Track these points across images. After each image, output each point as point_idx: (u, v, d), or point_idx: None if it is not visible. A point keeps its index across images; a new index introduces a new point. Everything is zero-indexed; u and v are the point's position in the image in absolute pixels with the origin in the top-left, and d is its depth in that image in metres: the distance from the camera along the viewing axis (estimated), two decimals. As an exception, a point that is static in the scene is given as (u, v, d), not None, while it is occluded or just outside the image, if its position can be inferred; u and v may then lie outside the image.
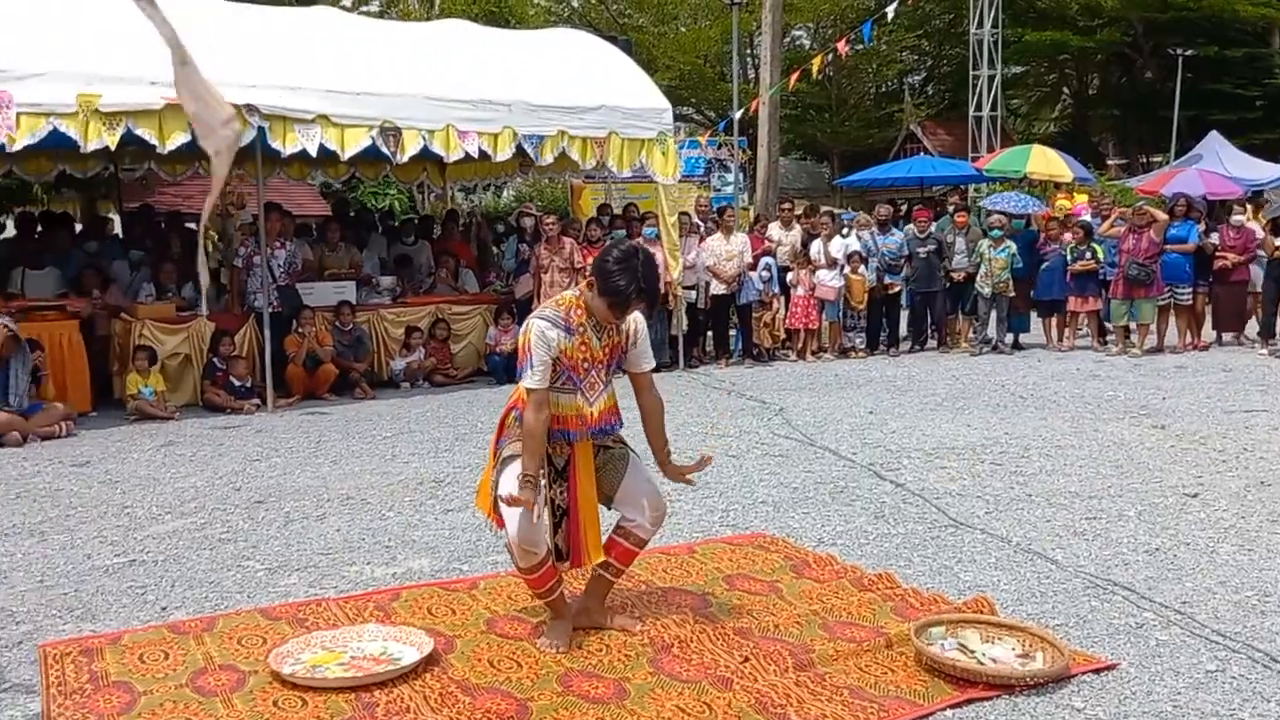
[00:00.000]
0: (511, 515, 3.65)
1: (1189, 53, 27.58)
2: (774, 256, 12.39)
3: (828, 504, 5.81)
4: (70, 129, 8.14)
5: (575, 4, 34.52)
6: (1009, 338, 12.47)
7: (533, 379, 3.66)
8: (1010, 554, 4.86)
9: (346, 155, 9.50)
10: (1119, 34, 30.45)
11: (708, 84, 31.68)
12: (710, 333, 12.34)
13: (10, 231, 13.92)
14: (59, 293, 10.15)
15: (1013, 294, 12.15)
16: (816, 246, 12.24)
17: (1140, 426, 7.79)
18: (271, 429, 8.50)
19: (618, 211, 13.09)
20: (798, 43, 34.29)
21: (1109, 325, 12.44)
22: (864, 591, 4.32)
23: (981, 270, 12.07)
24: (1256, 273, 12.32)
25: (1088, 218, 13.53)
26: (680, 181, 13.50)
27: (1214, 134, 22.80)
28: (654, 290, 3.75)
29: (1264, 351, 11.69)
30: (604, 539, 3.90)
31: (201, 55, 8.30)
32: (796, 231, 12.65)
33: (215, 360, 9.56)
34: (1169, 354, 11.84)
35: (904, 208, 17.70)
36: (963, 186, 22.91)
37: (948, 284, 12.48)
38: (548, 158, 10.43)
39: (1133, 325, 11.99)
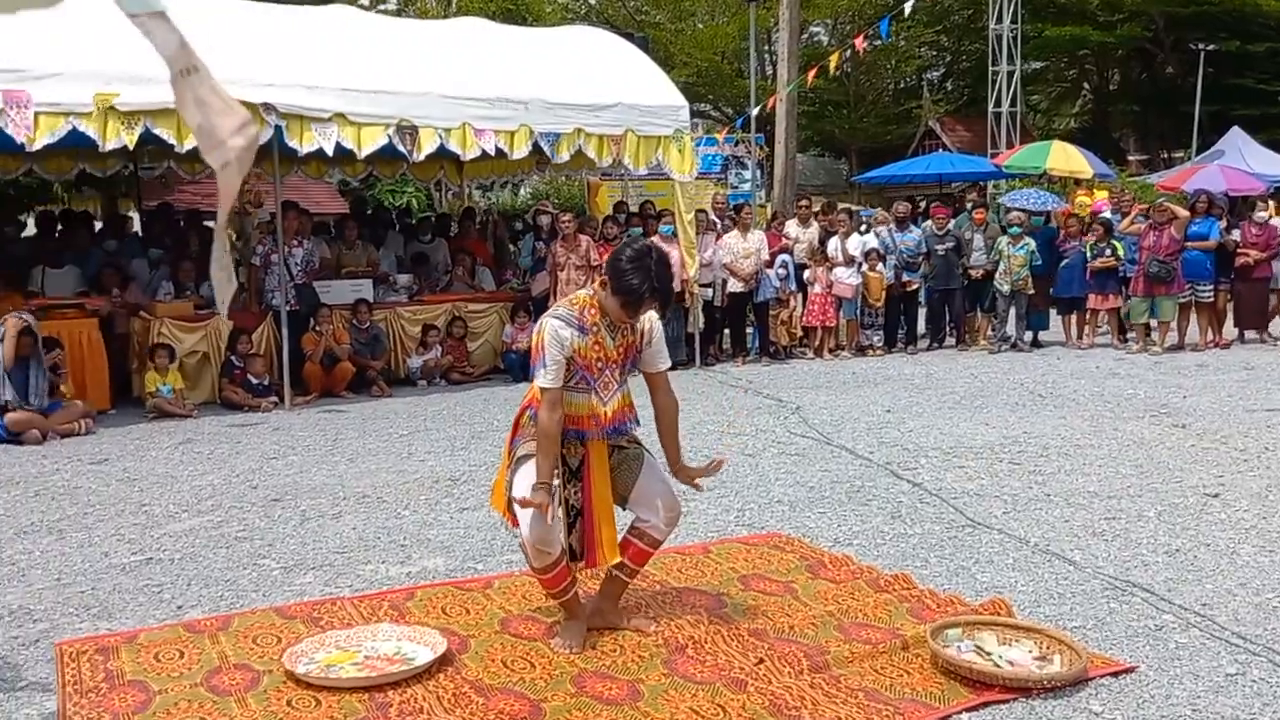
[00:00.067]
0: (525, 515, 3.64)
1: (1211, 47, 27.33)
2: (791, 254, 12.35)
3: (844, 503, 5.78)
4: (89, 128, 8.18)
5: (592, 1, 34.51)
6: (1028, 335, 12.40)
7: (546, 378, 3.65)
8: (1028, 555, 4.83)
9: (363, 154, 9.52)
10: (1140, 29, 30.22)
11: (725, 81, 31.61)
12: (727, 330, 12.32)
13: (31, 230, 13.98)
14: (79, 291, 10.22)
15: (1032, 291, 12.07)
16: (834, 244, 12.20)
17: (1160, 425, 7.72)
18: (289, 427, 8.53)
19: (634, 209, 13.09)
20: (815, 39, 34.19)
21: (1129, 323, 12.35)
22: (880, 592, 4.29)
23: (1000, 267, 12.00)
24: (1279, 269, 12.21)
25: (1108, 214, 13.43)
26: (697, 179, 13.49)
27: (1236, 129, 22.59)
28: (667, 289, 3.73)
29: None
30: (619, 539, 3.90)
31: (218, 54, 8.33)
32: (814, 229, 12.61)
33: (233, 358, 9.60)
34: (1190, 352, 11.74)
35: (922, 204, 17.63)
36: (982, 183, 22.78)
37: (966, 281, 12.42)
38: (564, 155, 10.42)
39: (1153, 323, 11.90)
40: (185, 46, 2.12)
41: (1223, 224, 12.13)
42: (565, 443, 3.77)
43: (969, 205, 13.97)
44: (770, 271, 11.84)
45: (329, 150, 9.31)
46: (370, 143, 9.30)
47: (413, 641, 3.82)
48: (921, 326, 13.00)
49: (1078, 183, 19.12)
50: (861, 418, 8.28)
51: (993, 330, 12.47)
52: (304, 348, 9.85)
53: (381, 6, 26.68)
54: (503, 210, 20.26)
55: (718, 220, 12.23)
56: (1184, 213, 11.82)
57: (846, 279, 12.07)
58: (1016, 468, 6.50)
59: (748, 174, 19.44)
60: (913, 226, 12.69)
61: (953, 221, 12.75)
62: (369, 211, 15.24)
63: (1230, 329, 12.44)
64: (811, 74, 17.69)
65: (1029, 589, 4.38)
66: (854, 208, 14.60)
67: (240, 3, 10.05)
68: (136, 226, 14.07)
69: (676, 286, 10.67)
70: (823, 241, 12.38)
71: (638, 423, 3.94)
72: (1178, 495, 5.79)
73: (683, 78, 26.39)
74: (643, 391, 3.92)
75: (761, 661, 3.61)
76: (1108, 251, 11.99)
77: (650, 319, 3.87)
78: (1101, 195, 16.59)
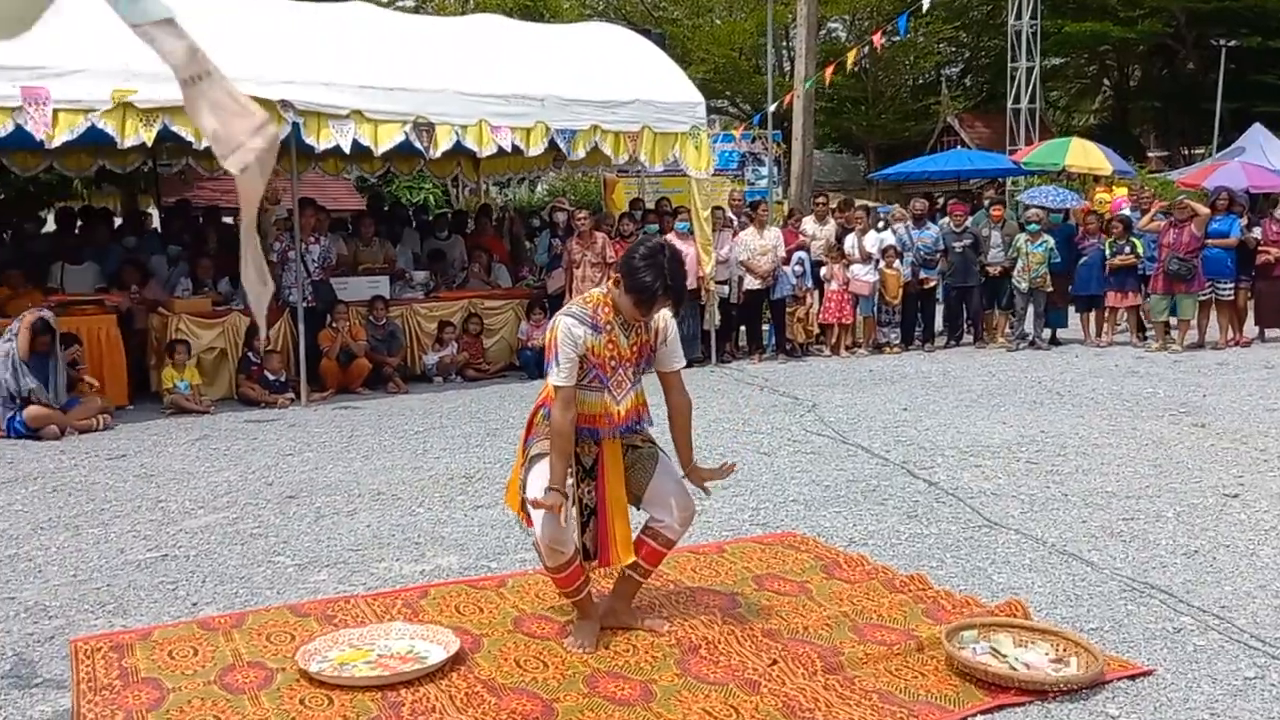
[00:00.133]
0: (539, 514, 3.64)
1: (1232, 43, 27.13)
2: (808, 251, 12.31)
3: (860, 503, 5.75)
4: (108, 125, 8.21)
5: (610, -3, 34.50)
6: (1046, 333, 12.33)
7: (559, 376, 3.64)
8: (1045, 555, 4.79)
9: (380, 151, 9.54)
10: (1161, 25, 29.99)
11: (742, 77, 31.55)
12: (743, 328, 12.29)
13: (50, 226, 14.10)
14: (98, 287, 10.28)
15: (1050, 289, 12.00)
16: (851, 241, 12.15)
17: (1180, 425, 7.66)
18: (305, 423, 8.55)
19: (650, 206, 13.07)
20: (833, 35, 34.05)
21: (1148, 320, 12.26)
22: (895, 593, 4.27)
23: (1019, 265, 11.94)
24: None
25: (1127, 211, 13.34)
26: (714, 175, 13.44)
27: (1257, 126, 22.40)
28: (681, 287, 3.71)
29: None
30: (633, 538, 3.88)
31: (236, 51, 8.35)
32: (831, 226, 12.56)
33: (250, 354, 9.63)
34: (1210, 350, 11.65)
35: (940, 201, 17.55)
36: (1000, 180, 22.67)
37: (983, 279, 12.35)
38: (580, 152, 10.41)
39: (1173, 321, 11.81)
40: (195, 52, 2.07)
41: (1244, 221, 12.04)
42: (579, 441, 3.76)
43: (987, 202, 13.90)
44: (787, 269, 11.81)
45: (346, 147, 9.32)
46: (387, 140, 9.31)
47: (426, 640, 3.82)
48: (939, 324, 12.94)
49: (1097, 180, 19.00)
50: (878, 416, 8.25)
51: (1011, 328, 12.41)
52: (320, 344, 9.88)
53: (399, 3, 26.72)
54: (519, 207, 20.26)
55: (734, 217, 12.20)
56: (1204, 210, 11.74)
57: (863, 276, 12.02)
58: (1034, 467, 6.46)
59: (764, 171, 19.39)
60: (930, 224, 12.63)
61: (970, 219, 12.69)
62: (386, 208, 15.26)
63: (1251, 327, 12.34)
64: (829, 71, 17.62)
65: (1045, 590, 4.35)
66: (871, 204, 14.55)
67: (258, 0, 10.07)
68: (156, 223, 14.14)
69: (691, 284, 10.69)
70: (840, 239, 12.34)
71: (650, 422, 3.93)
72: (1197, 495, 5.74)
73: (700, 74, 26.37)
74: (656, 390, 3.90)
75: (775, 663, 3.59)
76: (1127, 249, 11.91)
77: (665, 318, 3.86)
78: (1121, 192, 16.49)
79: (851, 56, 18.93)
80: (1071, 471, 6.33)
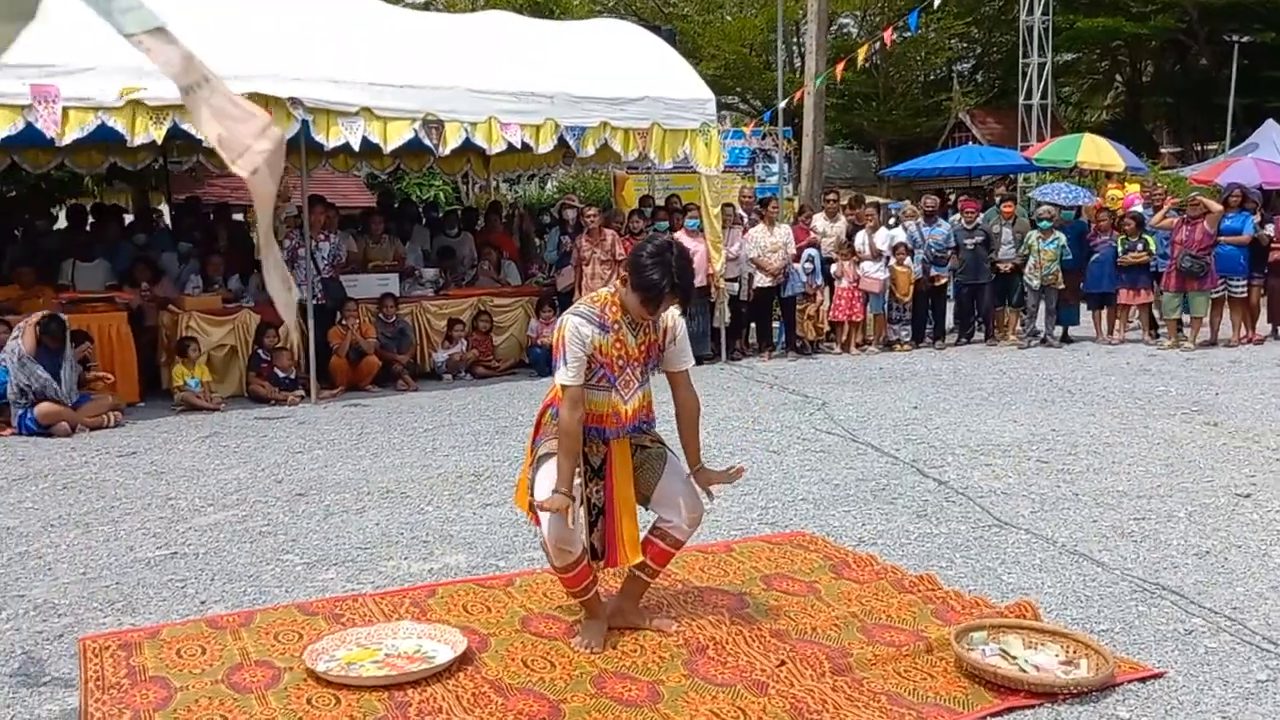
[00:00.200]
0: (546, 514, 3.63)
1: (1245, 39, 26.98)
2: (818, 248, 12.27)
3: (869, 502, 5.73)
4: (118, 123, 8.22)
5: (620, -7, 34.42)
6: (1057, 331, 12.28)
7: (567, 375, 3.63)
8: (1055, 555, 4.77)
9: (389, 148, 9.55)
10: (1173, 20, 29.85)
11: (753, 73, 31.48)
12: (753, 325, 12.26)
13: (62, 223, 14.12)
14: (109, 284, 10.30)
15: (1062, 286, 11.95)
16: (861, 238, 12.11)
17: (1192, 423, 7.62)
18: (314, 420, 8.56)
19: (660, 203, 13.05)
20: (844, 30, 33.95)
21: (1161, 318, 12.20)
22: (904, 593, 4.25)
23: (1030, 262, 11.89)
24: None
25: (1139, 208, 13.28)
26: (724, 172, 13.41)
27: (1270, 122, 22.23)
28: (688, 285, 3.69)
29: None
30: (641, 538, 3.88)
31: (245, 49, 8.35)
32: (842, 223, 12.53)
33: (260, 352, 9.64)
34: (1222, 348, 11.60)
35: (952, 198, 17.48)
36: (1012, 176, 22.57)
37: (994, 276, 12.31)
38: (589, 149, 10.40)
39: (1185, 318, 11.75)
40: (191, 60, 2.03)
41: (1256, 218, 11.96)
42: (587, 441, 3.75)
43: (998, 199, 13.85)
44: (797, 266, 11.78)
45: (355, 144, 9.32)
46: (396, 137, 9.31)
47: (433, 640, 3.81)
48: (950, 321, 12.89)
49: (1109, 176, 18.93)
50: (888, 414, 8.22)
51: (1022, 325, 12.36)
52: (330, 341, 9.89)
53: (408, 0, 26.72)
54: (529, 204, 20.26)
55: (744, 214, 12.17)
56: (1217, 207, 11.67)
57: (874, 273, 11.99)
58: (1044, 466, 6.43)
59: (775, 167, 19.35)
60: (941, 221, 12.58)
61: (982, 215, 12.64)
62: (396, 205, 15.27)
63: (1264, 324, 12.27)
64: (840, 67, 17.55)
65: (1056, 591, 4.32)
66: (882, 201, 14.50)
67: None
68: (166, 220, 14.17)
69: (701, 281, 10.67)
70: (850, 236, 12.30)
71: (653, 422, 3.92)
72: (1208, 495, 5.71)
73: (710, 70, 26.31)
74: (664, 389, 3.89)
75: (783, 664, 3.58)
76: (1139, 246, 11.85)
77: (673, 317, 3.84)
78: (1133, 189, 16.42)
79: (863, 52, 18.83)
80: (1082, 470, 6.30)
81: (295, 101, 8.68)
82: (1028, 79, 26.00)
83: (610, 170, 16.37)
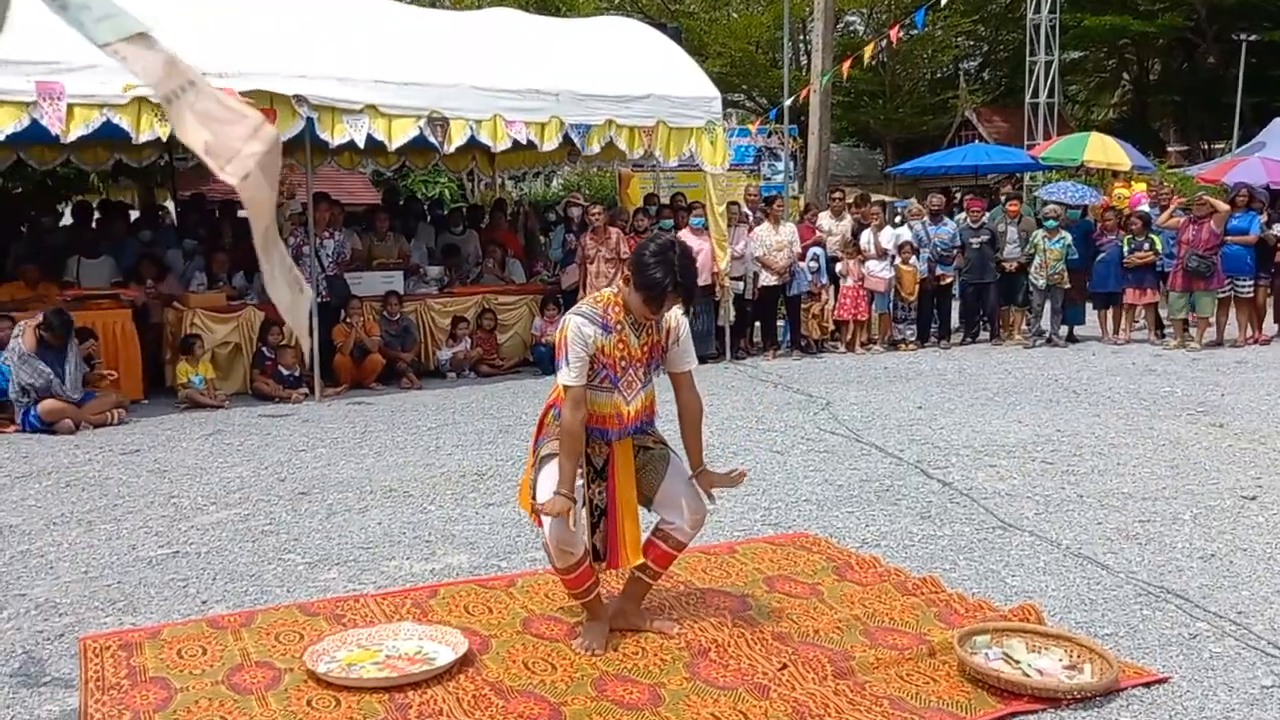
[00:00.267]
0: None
1: (1253, 38, 26.87)
2: (824, 247, 12.25)
3: (873, 503, 5.71)
4: (123, 120, 8.22)
5: (626, -10, 34.37)
6: (1063, 330, 12.24)
7: (569, 375, 3.61)
8: (1060, 558, 4.75)
9: (394, 145, 9.53)
10: (1181, 18, 29.73)
11: (759, 71, 31.41)
12: (758, 324, 12.24)
13: (67, 220, 14.16)
14: (114, 281, 10.30)
15: (1068, 286, 11.91)
16: (866, 236, 12.08)
17: (1197, 424, 7.59)
18: (318, 418, 8.55)
19: (665, 201, 13.03)
20: (850, 28, 33.88)
21: (1167, 318, 12.17)
22: (907, 596, 4.23)
23: (1036, 261, 11.85)
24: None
25: (1146, 207, 13.23)
26: (729, 170, 13.39)
27: (1278, 121, 22.19)
28: (691, 285, 3.67)
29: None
30: (643, 540, 3.86)
31: (250, 46, 8.33)
32: (847, 221, 12.50)
33: (264, 349, 9.64)
34: (1228, 348, 11.55)
35: (958, 196, 17.44)
36: (1018, 175, 22.52)
37: (999, 275, 12.27)
38: (595, 147, 10.39)
39: (1191, 318, 11.71)
40: (175, 64, 1.93)
41: (1263, 218, 11.91)
42: (590, 442, 3.74)
43: (1003, 197, 13.81)
44: (803, 264, 11.76)
45: (360, 142, 9.31)
46: (401, 134, 9.29)
47: (434, 641, 3.80)
48: (955, 321, 12.86)
49: (1115, 175, 18.87)
50: (892, 414, 8.20)
51: (1027, 325, 12.32)
52: (335, 339, 9.89)
53: (415, -4, 26.66)
54: (534, 201, 20.25)
55: (750, 213, 12.15)
56: (1224, 207, 11.63)
57: (879, 272, 11.96)
58: (1049, 467, 6.41)
59: (781, 165, 19.32)
60: (947, 220, 12.55)
61: (988, 214, 12.60)
62: (401, 203, 15.27)
63: (1270, 325, 12.23)
64: (846, 64, 17.51)
65: (1060, 594, 4.30)
66: (888, 199, 14.47)
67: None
68: (172, 217, 14.17)
69: (705, 280, 10.65)
70: (855, 234, 12.27)
71: (654, 421, 3.90)
72: (1214, 497, 5.68)
73: (716, 68, 26.24)
74: (666, 389, 3.88)
75: (785, 667, 3.56)
76: (1146, 246, 11.82)
77: (676, 317, 3.82)
78: (1140, 188, 16.37)
79: (869, 50, 18.82)
80: (1087, 472, 6.27)
81: (300, 99, 8.68)
82: (1034, 77, 25.94)
83: (615, 168, 16.35)
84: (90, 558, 5.01)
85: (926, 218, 12.52)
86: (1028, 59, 26.32)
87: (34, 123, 7.99)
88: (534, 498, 3.72)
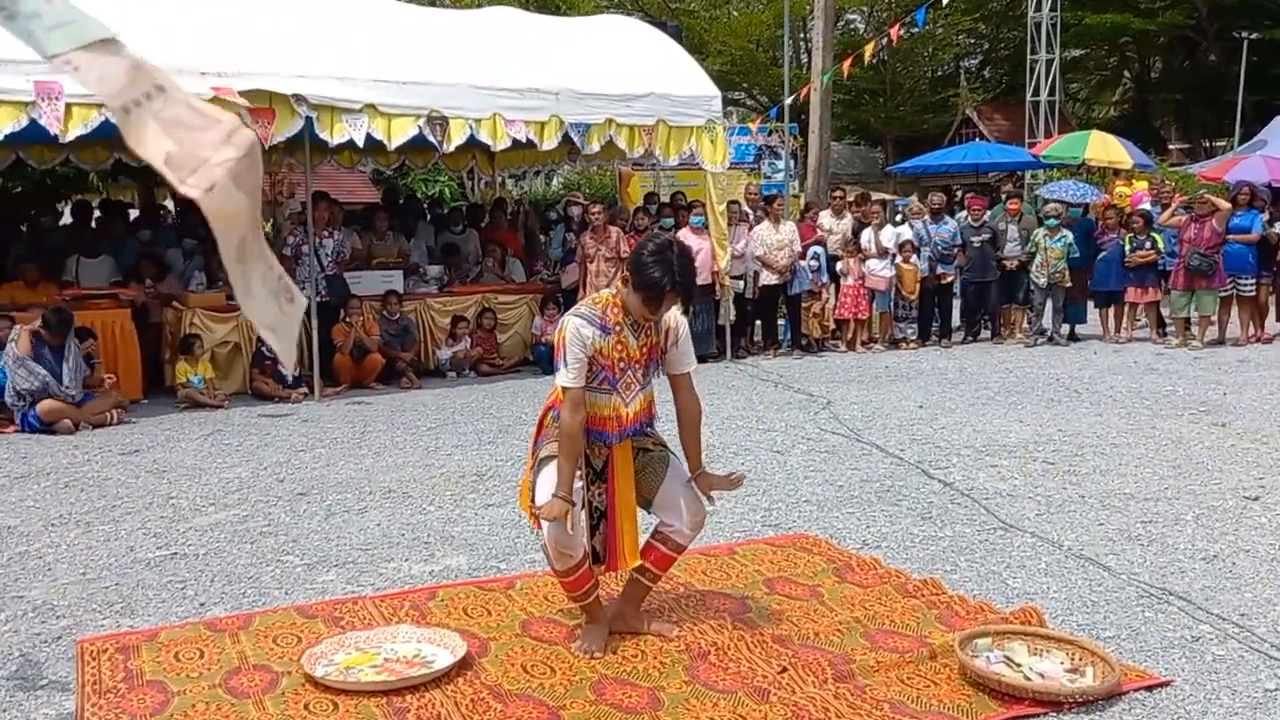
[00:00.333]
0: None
1: (1254, 35, 26.83)
2: (824, 246, 12.22)
3: (873, 504, 5.69)
4: (120, 119, 8.18)
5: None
6: (1065, 329, 12.21)
7: (568, 377, 3.59)
8: (1061, 559, 4.72)
9: (393, 145, 9.51)
10: (1182, 16, 29.68)
11: (760, 69, 31.36)
12: (758, 323, 12.22)
13: (67, 219, 14.14)
14: (113, 281, 10.28)
15: (1069, 284, 11.88)
16: (867, 235, 12.05)
17: (1199, 424, 7.57)
18: (318, 418, 8.53)
19: (665, 200, 13.01)
20: (851, 26, 33.84)
21: (1168, 316, 12.14)
22: (908, 598, 4.21)
23: (1037, 260, 11.82)
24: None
25: (1147, 205, 13.20)
26: (730, 169, 13.37)
27: (1279, 119, 22.16)
28: (689, 284, 3.64)
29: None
30: (642, 542, 3.85)
31: (248, 46, 8.29)
32: (848, 220, 12.47)
33: (264, 349, 9.61)
34: (1230, 347, 11.52)
35: (959, 194, 17.42)
36: (1019, 173, 22.49)
37: (1000, 273, 12.25)
38: (594, 146, 10.36)
39: (1193, 317, 11.68)
40: (141, 69, 1.77)
41: (1265, 216, 11.88)
42: (590, 443, 3.72)
43: (1004, 196, 13.79)
44: (803, 263, 11.73)
45: (359, 141, 9.29)
46: (401, 133, 9.27)
47: (432, 644, 3.78)
48: (956, 319, 12.84)
49: (1117, 173, 18.84)
50: (893, 414, 8.18)
51: (1029, 323, 12.30)
52: (334, 339, 9.87)
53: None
54: (534, 200, 20.22)
55: (750, 211, 12.12)
56: (1225, 205, 11.60)
57: (880, 271, 11.94)
58: (1050, 467, 6.39)
59: (781, 164, 19.29)
60: (948, 218, 12.53)
61: (989, 213, 12.58)
62: (400, 201, 15.25)
63: (1273, 323, 12.20)
64: (847, 63, 17.49)
65: (1061, 596, 4.28)
66: (888, 197, 14.44)
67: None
68: (172, 216, 14.15)
69: (706, 279, 10.63)
70: (856, 233, 12.25)
71: (654, 422, 3.89)
72: (1216, 498, 5.66)
73: (717, 66, 26.21)
74: (665, 390, 3.86)
75: (785, 670, 3.54)
76: (1148, 244, 11.79)
77: (676, 318, 3.79)
78: (1141, 186, 16.34)
79: (869, 48, 18.80)
80: (1089, 472, 6.25)
81: (299, 98, 8.66)
82: (1035, 75, 25.90)
83: (616, 167, 16.32)
84: (88, 559, 5.00)
85: (927, 216, 12.50)
86: (1029, 57, 26.28)
87: (33, 122, 7.97)
88: (533, 501, 3.70)
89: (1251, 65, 26.52)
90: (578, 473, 3.64)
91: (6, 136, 8.05)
